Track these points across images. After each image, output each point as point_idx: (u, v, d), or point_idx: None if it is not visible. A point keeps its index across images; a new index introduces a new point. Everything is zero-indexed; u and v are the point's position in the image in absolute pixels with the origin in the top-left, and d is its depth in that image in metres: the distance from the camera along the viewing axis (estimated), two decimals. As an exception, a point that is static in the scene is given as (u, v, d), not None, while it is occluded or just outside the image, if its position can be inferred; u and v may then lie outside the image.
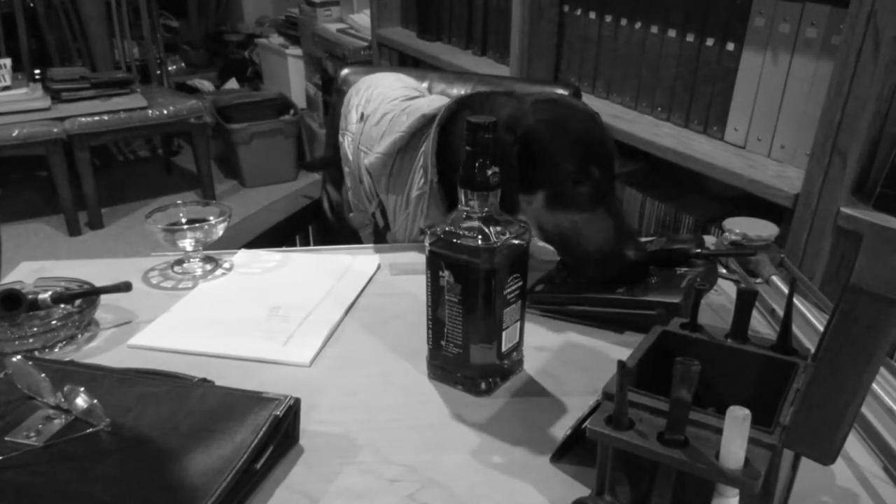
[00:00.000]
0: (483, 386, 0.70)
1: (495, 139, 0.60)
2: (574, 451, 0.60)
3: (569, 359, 0.76)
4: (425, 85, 1.35)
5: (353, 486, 0.59)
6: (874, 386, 0.67)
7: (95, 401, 0.60)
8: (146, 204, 3.11)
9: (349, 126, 1.08)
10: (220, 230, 0.92)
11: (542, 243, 0.88)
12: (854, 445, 0.64)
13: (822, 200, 1.13)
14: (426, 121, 0.94)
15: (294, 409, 0.62)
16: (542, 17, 1.71)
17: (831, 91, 1.08)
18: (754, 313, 0.84)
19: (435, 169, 0.92)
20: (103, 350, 0.77)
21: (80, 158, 2.79)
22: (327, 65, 3.12)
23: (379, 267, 0.95)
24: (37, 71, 3.06)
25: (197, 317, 0.83)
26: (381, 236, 1.06)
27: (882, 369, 0.70)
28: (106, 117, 2.78)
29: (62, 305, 0.80)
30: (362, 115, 1.07)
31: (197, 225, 0.91)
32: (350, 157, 1.06)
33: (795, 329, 0.75)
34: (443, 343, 0.70)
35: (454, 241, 0.65)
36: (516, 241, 0.66)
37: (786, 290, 0.86)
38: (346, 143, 1.07)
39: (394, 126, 0.99)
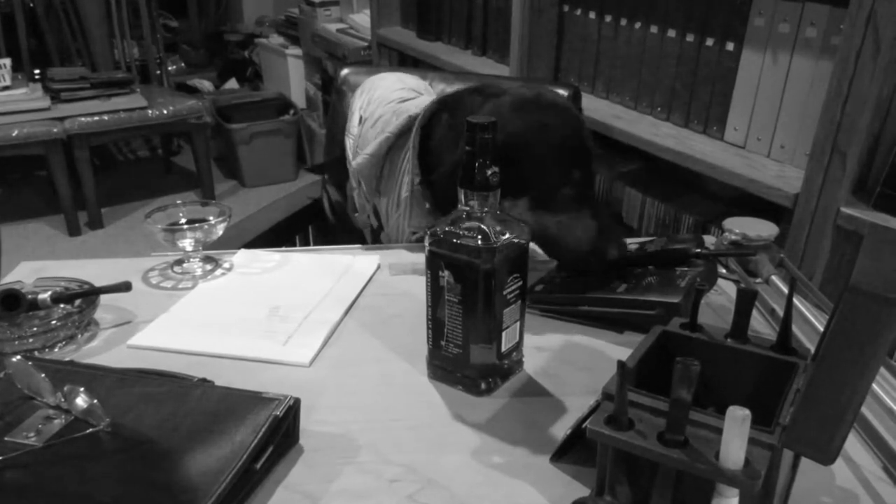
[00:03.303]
0: (483, 386, 0.70)
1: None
2: (574, 451, 0.60)
3: (569, 359, 0.76)
4: (427, 83, 1.35)
5: (353, 486, 0.59)
6: (874, 386, 0.67)
7: (95, 401, 0.60)
8: (146, 204, 3.11)
9: (352, 129, 1.09)
10: (220, 230, 0.92)
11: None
12: (854, 445, 0.64)
13: (821, 200, 1.13)
14: (411, 121, 0.95)
15: (294, 409, 0.62)
16: (542, 17, 1.71)
17: (831, 91, 1.08)
18: (754, 313, 0.84)
19: (417, 170, 0.92)
20: (103, 350, 0.77)
21: (79, 158, 2.79)
22: (327, 65, 3.12)
23: (379, 267, 0.95)
24: (37, 71, 3.06)
25: (197, 317, 0.83)
26: (376, 237, 1.06)
27: (882, 369, 0.70)
28: (106, 117, 2.78)
29: (62, 305, 0.80)
30: (361, 117, 1.07)
31: (197, 225, 0.91)
32: (351, 158, 1.06)
33: (795, 329, 0.75)
34: (443, 343, 0.70)
35: (454, 241, 0.65)
36: (516, 241, 0.66)
37: (785, 290, 0.86)
38: (349, 146, 1.08)
39: (384, 128, 1.00)
